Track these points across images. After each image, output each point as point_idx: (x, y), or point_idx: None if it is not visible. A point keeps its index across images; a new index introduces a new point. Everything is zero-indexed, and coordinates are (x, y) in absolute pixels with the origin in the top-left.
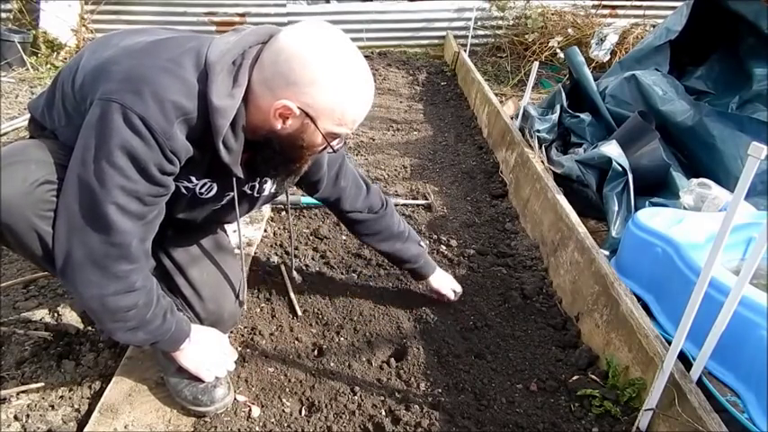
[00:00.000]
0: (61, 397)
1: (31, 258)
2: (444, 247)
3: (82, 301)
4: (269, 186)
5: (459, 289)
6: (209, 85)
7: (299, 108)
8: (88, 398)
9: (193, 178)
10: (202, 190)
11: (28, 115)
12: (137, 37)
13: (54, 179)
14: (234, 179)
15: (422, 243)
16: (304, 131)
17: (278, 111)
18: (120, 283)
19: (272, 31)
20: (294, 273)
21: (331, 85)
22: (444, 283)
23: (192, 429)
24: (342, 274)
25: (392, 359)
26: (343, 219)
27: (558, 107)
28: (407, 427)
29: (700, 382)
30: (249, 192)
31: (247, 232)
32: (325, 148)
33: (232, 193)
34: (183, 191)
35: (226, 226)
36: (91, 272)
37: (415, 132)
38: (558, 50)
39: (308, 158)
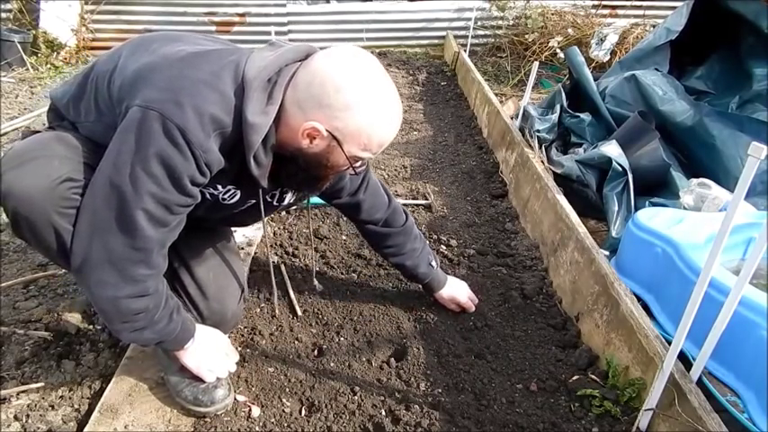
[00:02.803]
0: (61, 397)
1: (45, 253)
2: (444, 247)
3: (93, 301)
4: (289, 196)
5: (462, 301)
6: (245, 101)
7: (327, 131)
8: (88, 398)
9: (219, 186)
10: (226, 196)
11: (28, 115)
12: (177, 45)
13: (76, 177)
14: (260, 189)
15: (432, 263)
16: (330, 153)
17: (306, 131)
18: (135, 287)
19: (310, 50)
20: (315, 281)
21: (361, 113)
22: (448, 299)
23: (192, 429)
24: (342, 274)
25: (392, 359)
26: (358, 227)
27: (558, 107)
28: (407, 427)
29: (700, 382)
30: (270, 200)
31: (248, 232)
32: (347, 168)
33: (253, 200)
34: (208, 196)
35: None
36: (108, 273)
37: (415, 132)
38: (558, 50)
39: (330, 177)
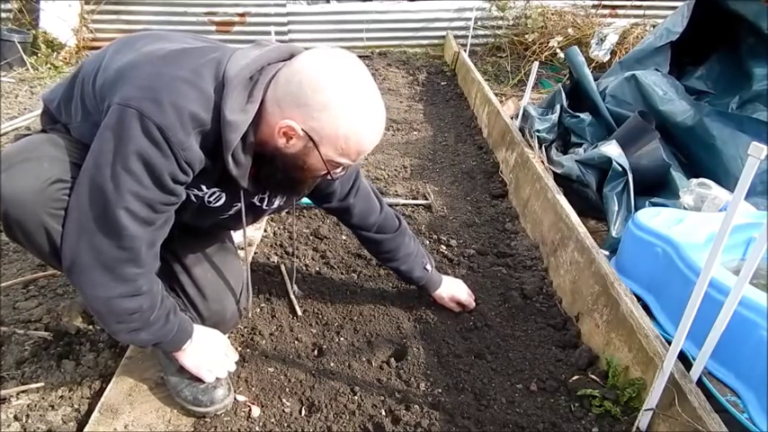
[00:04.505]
0: (61, 397)
1: (38, 254)
2: (444, 247)
3: (86, 301)
4: (278, 200)
5: (464, 299)
6: (224, 99)
7: (303, 130)
8: (88, 398)
9: (203, 187)
10: (211, 199)
11: (28, 115)
12: (160, 43)
13: (66, 178)
14: (242, 191)
15: (427, 267)
16: (306, 154)
17: (282, 129)
18: (126, 286)
19: (294, 50)
20: (295, 287)
21: (339, 115)
22: (446, 298)
23: (192, 429)
24: (342, 274)
25: (392, 359)
26: (353, 232)
27: (558, 107)
28: (407, 427)
29: (700, 382)
30: (258, 204)
31: (247, 232)
32: (326, 174)
33: (240, 204)
34: (193, 198)
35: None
36: (98, 273)
37: (415, 132)
38: (558, 50)
39: (310, 181)
